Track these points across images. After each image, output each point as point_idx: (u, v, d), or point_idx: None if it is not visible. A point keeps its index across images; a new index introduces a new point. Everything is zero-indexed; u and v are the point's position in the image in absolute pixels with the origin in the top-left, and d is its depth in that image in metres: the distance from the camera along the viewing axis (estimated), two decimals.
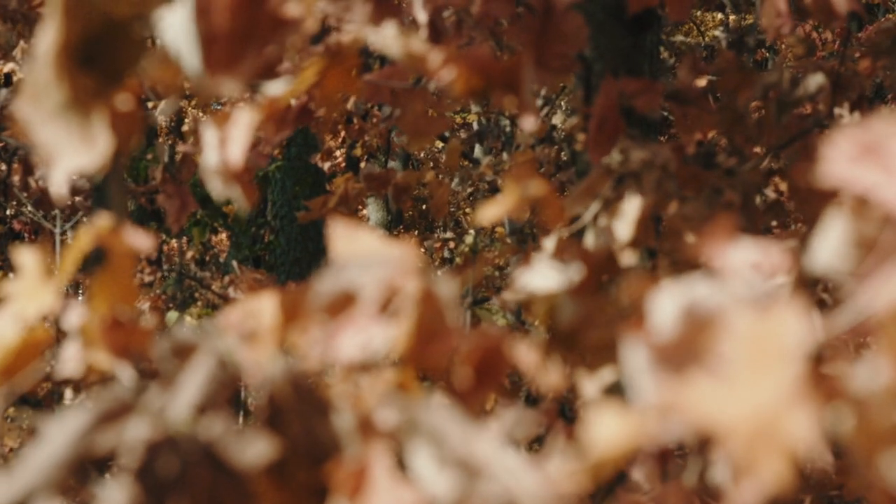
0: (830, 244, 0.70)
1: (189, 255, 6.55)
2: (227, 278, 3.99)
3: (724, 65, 2.14)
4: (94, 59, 0.95)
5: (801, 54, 2.65)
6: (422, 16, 1.61)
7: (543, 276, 1.01)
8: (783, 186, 2.19)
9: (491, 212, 1.09)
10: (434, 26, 1.87)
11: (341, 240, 0.87)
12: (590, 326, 0.98)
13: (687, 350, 0.68)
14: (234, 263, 4.00)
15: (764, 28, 1.98)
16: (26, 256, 1.02)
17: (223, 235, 8.44)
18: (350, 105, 3.95)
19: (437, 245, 7.90)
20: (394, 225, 7.89)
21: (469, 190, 6.80)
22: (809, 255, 0.71)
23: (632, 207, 1.45)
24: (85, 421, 0.72)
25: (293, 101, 1.86)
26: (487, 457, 0.70)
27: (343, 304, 0.79)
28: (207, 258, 7.01)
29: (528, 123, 1.20)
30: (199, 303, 6.21)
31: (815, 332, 0.65)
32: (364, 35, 1.23)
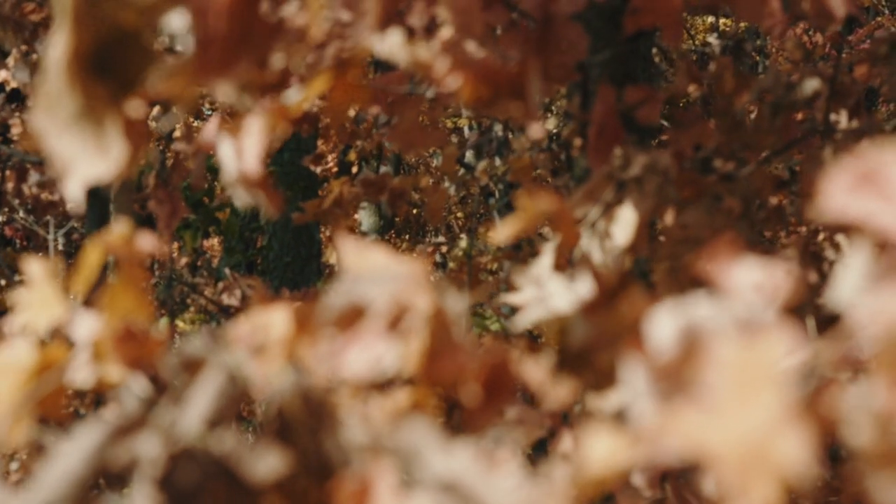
0: (852, 280, 0.70)
1: (183, 261, 6.53)
2: (220, 284, 3.98)
3: (720, 70, 2.15)
4: (105, 68, 0.95)
5: (795, 58, 2.66)
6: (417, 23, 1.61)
7: (556, 295, 1.01)
8: (781, 196, 2.19)
9: (507, 230, 1.09)
10: (429, 34, 1.86)
11: (350, 254, 0.87)
12: (602, 347, 0.98)
13: (680, 374, 0.68)
14: (227, 270, 3.99)
15: (766, 30, 1.98)
16: (35, 266, 1.02)
17: (215, 240, 8.43)
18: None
19: (430, 250, 7.89)
20: (385, 230, 7.89)
21: (461, 194, 6.80)
22: (831, 290, 0.71)
23: (631, 213, 1.45)
24: (100, 435, 0.72)
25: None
26: (473, 482, 0.70)
27: (352, 318, 0.79)
28: (199, 263, 7.00)
29: (535, 131, 1.20)
30: (192, 308, 6.20)
31: (807, 356, 0.65)
32: (370, 43, 1.23)
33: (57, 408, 0.97)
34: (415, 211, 9.31)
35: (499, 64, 1.23)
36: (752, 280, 0.72)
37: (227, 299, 3.94)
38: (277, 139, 1.28)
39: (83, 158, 0.94)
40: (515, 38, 1.54)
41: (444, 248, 7.87)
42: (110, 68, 0.95)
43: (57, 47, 0.94)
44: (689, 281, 1.52)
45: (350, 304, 0.79)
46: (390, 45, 1.23)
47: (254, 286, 4.07)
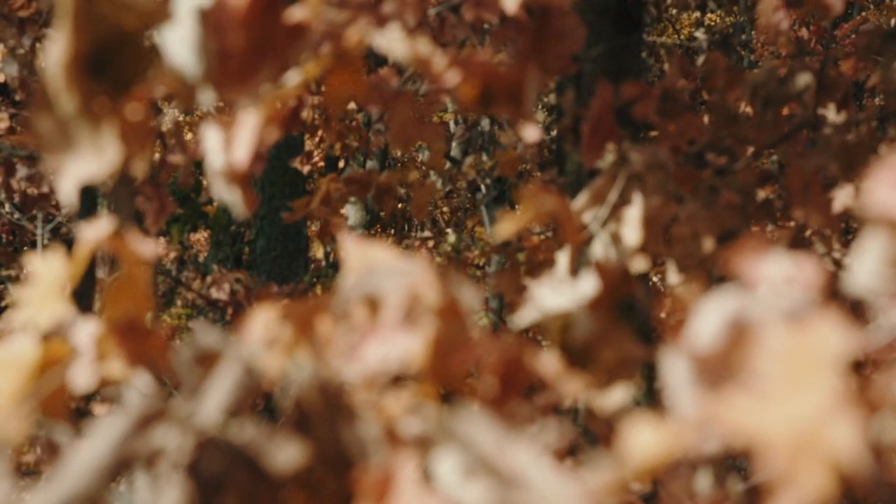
0: (869, 265, 0.71)
1: (171, 255, 6.53)
2: (209, 278, 3.97)
3: (711, 65, 2.15)
4: (103, 69, 0.95)
5: (787, 52, 2.67)
6: (410, 19, 1.60)
7: (558, 292, 1.01)
8: (769, 189, 2.20)
9: (507, 227, 1.09)
10: (426, 29, 1.86)
11: (353, 253, 0.87)
12: (604, 344, 0.98)
13: (726, 363, 0.68)
14: (214, 266, 3.99)
15: (760, 27, 1.98)
16: (38, 263, 1.01)
17: (201, 235, 8.42)
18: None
19: (416, 244, 7.90)
20: (371, 224, 7.89)
21: (447, 189, 6.80)
22: (848, 274, 0.71)
23: (637, 211, 1.45)
24: (123, 426, 0.72)
25: (278, 105, 1.85)
26: (522, 466, 0.70)
27: (367, 311, 0.79)
28: (186, 258, 7.00)
29: (531, 132, 1.20)
30: (179, 303, 6.19)
31: (853, 345, 0.65)
32: (370, 37, 1.23)
33: (60, 404, 0.97)
34: (400, 206, 9.31)
35: (496, 60, 1.23)
36: (782, 273, 0.72)
37: (215, 293, 3.93)
38: (270, 134, 1.28)
39: (78, 158, 0.93)
40: (512, 31, 1.54)
41: (430, 243, 7.86)
42: (108, 70, 0.95)
43: (56, 48, 0.93)
44: (707, 275, 1.52)
45: (365, 294, 0.79)
46: (390, 39, 1.22)
47: (242, 280, 4.07)
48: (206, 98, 1.03)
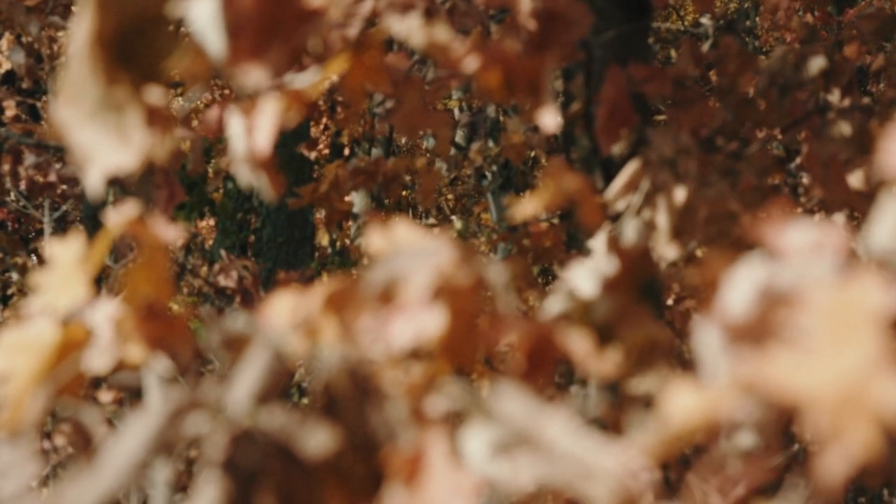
0: (888, 227, 0.71)
1: (179, 242, 6.53)
2: (216, 266, 3.97)
3: (723, 50, 2.15)
4: (128, 56, 0.95)
5: (790, 39, 2.68)
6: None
7: (584, 276, 1.00)
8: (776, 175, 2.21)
9: (526, 208, 1.09)
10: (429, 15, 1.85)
11: (377, 234, 0.87)
12: (625, 326, 0.98)
13: (763, 325, 0.68)
14: (223, 252, 3.98)
15: (766, 6, 1.98)
16: (58, 248, 1.01)
17: (207, 222, 8.42)
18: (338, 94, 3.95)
19: None
20: (376, 211, 7.88)
21: (453, 175, 6.79)
22: (866, 237, 0.72)
23: (672, 196, 1.45)
24: (159, 420, 0.72)
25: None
26: (559, 437, 0.70)
27: (394, 292, 0.79)
28: (192, 245, 6.99)
29: (549, 120, 1.20)
30: (185, 290, 6.19)
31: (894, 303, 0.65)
32: (389, 24, 1.23)
33: (77, 387, 0.97)
34: (405, 193, 9.30)
35: (513, 47, 1.23)
36: (808, 241, 0.72)
37: (223, 281, 3.92)
38: (291, 119, 1.28)
39: (105, 148, 0.93)
40: (520, 19, 1.54)
41: (435, 231, 7.85)
42: (133, 56, 0.94)
43: (80, 33, 0.93)
44: (736, 251, 1.51)
45: (393, 276, 0.79)
46: (409, 26, 1.22)
47: (249, 268, 4.06)
48: (225, 75, 1.03)
